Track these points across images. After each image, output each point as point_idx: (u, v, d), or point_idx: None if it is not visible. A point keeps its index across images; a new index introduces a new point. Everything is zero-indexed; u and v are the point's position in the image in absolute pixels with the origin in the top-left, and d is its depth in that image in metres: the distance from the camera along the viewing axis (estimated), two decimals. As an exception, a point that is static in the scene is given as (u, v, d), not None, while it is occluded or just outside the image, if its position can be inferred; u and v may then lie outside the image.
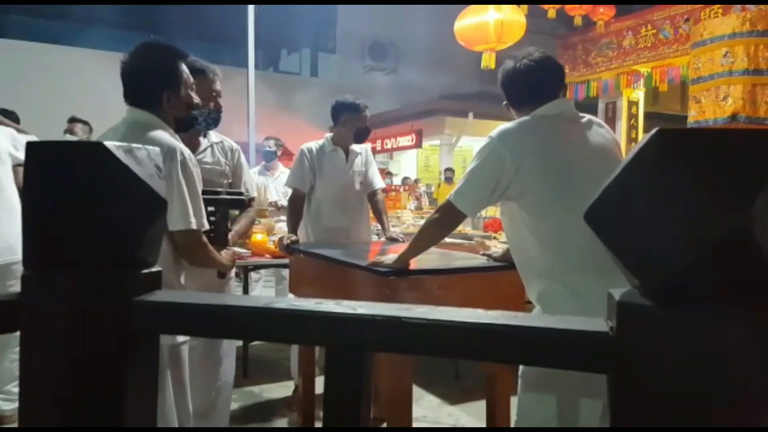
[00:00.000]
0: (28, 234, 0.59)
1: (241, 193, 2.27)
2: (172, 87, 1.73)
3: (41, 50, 11.77)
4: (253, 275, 4.06)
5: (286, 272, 3.51)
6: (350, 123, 3.05)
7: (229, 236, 2.18)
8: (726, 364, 0.42)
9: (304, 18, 13.83)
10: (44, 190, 0.58)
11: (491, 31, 5.60)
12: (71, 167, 0.57)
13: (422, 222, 2.22)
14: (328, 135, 3.17)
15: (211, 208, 1.99)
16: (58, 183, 0.57)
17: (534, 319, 0.50)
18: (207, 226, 1.78)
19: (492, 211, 4.43)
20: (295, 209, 3.05)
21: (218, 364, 2.29)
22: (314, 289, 2.58)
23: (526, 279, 1.76)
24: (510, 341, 0.49)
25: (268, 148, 4.84)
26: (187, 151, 1.69)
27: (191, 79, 1.81)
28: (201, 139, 2.32)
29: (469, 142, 12.80)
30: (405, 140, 13.15)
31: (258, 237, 3.49)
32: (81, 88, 10.64)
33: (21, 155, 2.85)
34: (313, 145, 3.11)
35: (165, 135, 1.67)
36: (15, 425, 2.69)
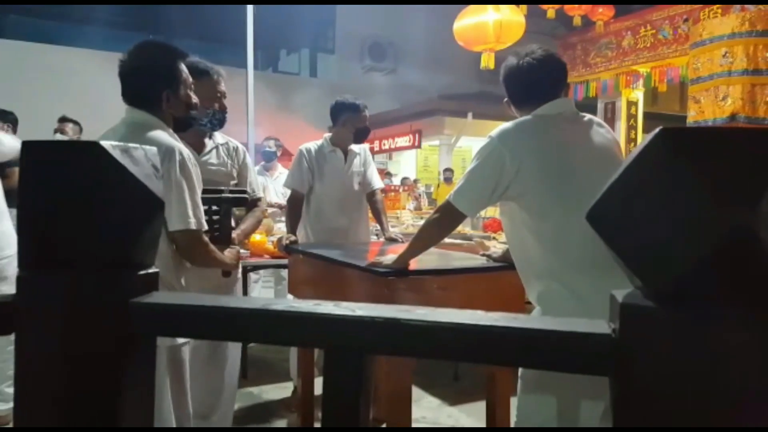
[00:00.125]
0: (23, 234, 0.59)
1: (244, 191, 2.26)
2: (171, 86, 1.72)
3: (40, 50, 11.76)
4: (252, 276, 4.05)
5: (285, 273, 3.51)
6: (350, 123, 3.05)
7: (235, 235, 2.17)
8: (733, 367, 0.42)
9: (303, 18, 13.82)
10: (40, 190, 0.58)
11: (490, 31, 5.60)
12: (67, 167, 0.57)
13: (421, 222, 2.22)
14: (327, 135, 3.16)
15: (214, 207, 1.98)
16: (54, 183, 0.57)
17: (535, 321, 0.50)
18: (206, 227, 1.77)
19: (491, 212, 4.43)
20: (293, 210, 3.05)
21: (223, 365, 2.28)
22: (313, 289, 2.58)
23: (526, 279, 1.76)
24: (510, 344, 0.48)
25: (268, 149, 4.84)
26: (185, 151, 1.68)
27: (190, 79, 1.80)
28: (206, 140, 2.31)
29: (468, 143, 12.80)
30: (404, 140, 13.15)
31: (257, 237, 3.48)
32: (80, 89, 10.63)
33: None
34: (312, 145, 3.11)
35: (164, 135, 1.67)
36: (10, 425, 2.68)
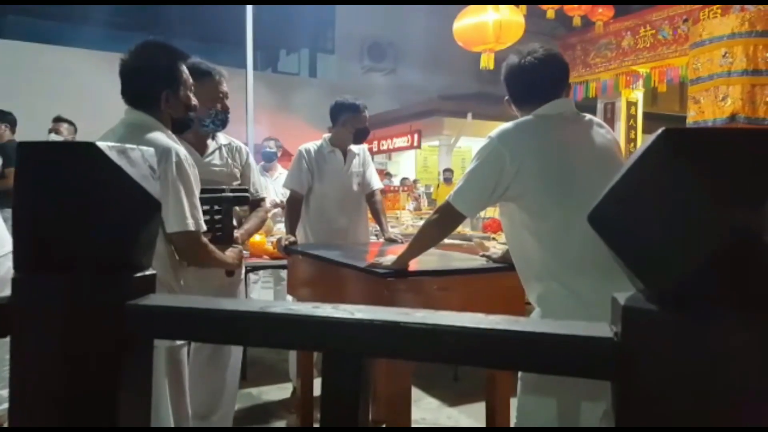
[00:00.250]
0: (19, 236, 0.58)
1: (245, 190, 2.25)
2: (171, 87, 1.72)
3: (39, 51, 11.74)
4: (251, 276, 4.05)
5: (284, 273, 3.50)
6: (350, 123, 3.05)
7: (238, 234, 2.16)
8: (733, 367, 0.41)
9: (302, 18, 13.81)
10: (36, 191, 0.57)
11: (490, 31, 5.60)
12: (63, 168, 0.56)
13: (421, 223, 2.21)
14: (326, 136, 3.16)
15: (215, 207, 1.97)
16: (50, 184, 0.56)
17: (536, 324, 0.49)
18: (205, 228, 1.76)
19: (491, 212, 4.42)
20: (293, 210, 3.04)
21: (225, 366, 2.28)
22: (312, 290, 2.57)
23: (526, 280, 1.75)
24: (511, 347, 0.48)
25: (268, 149, 4.83)
26: (183, 152, 1.67)
27: (191, 81, 1.80)
28: (209, 141, 2.31)
29: (468, 143, 12.79)
30: (403, 141, 13.14)
31: (256, 238, 3.48)
32: (79, 89, 10.61)
33: None
34: (311, 146, 3.11)
35: (161, 136, 1.66)
36: (5, 426, 2.67)
